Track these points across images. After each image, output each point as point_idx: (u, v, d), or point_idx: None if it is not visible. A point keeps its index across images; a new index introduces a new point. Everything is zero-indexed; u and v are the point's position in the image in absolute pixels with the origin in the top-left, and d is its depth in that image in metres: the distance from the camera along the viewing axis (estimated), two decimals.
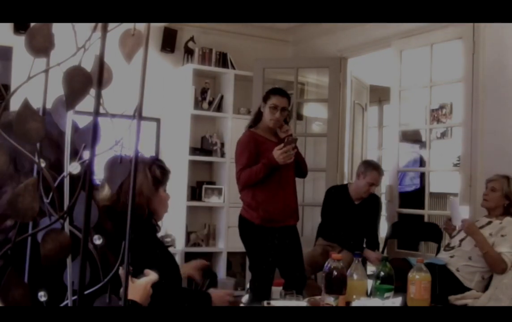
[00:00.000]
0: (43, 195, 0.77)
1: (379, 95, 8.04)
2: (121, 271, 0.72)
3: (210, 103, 6.04)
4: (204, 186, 5.98)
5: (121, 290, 0.74)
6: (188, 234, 5.90)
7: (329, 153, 5.74)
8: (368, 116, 6.69)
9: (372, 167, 4.71)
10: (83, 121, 0.80)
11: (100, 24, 0.71)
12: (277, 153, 3.79)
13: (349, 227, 4.65)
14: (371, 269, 4.43)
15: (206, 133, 6.06)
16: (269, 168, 3.83)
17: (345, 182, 5.59)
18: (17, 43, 5.02)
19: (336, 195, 4.79)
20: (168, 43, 5.91)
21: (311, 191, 6.07)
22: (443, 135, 7.79)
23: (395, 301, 2.74)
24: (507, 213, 3.81)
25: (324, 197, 4.87)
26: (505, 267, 3.57)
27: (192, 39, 5.99)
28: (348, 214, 4.70)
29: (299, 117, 6.48)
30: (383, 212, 5.70)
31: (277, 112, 3.97)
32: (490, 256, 3.60)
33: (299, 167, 4.17)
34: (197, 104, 5.95)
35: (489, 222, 3.84)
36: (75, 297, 0.72)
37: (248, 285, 5.53)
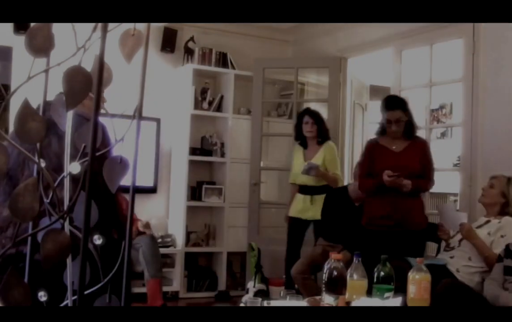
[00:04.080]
0: (43, 195, 0.77)
1: (380, 95, 8.02)
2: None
3: (210, 103, 6.04)
4: (204, 186, 5.98)
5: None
6: (188, 234, 5.90)
7: None
8: (368, 114, 6.68)
9: None
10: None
11: (100, 24, 0.71)
12: (386, 178, 3.90)
13: (349, 229, 4.64)
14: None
15: (206, 133, 6.07)
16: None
17: (345, 182, 5.59)
18: (17, 43, 5.02)
19: (336, 197, 4.79)
20: (168, 43, 5.91)
21: None
22: (443, 135, 7.78)
23: (395, 301, 2.73)
24: (504, 212, 3.80)
25: (324, 199, 4.87)
26: None
27: (192, 39, 5.99)
28: (348, 215, 4.69)
29: None
30: None
31: (392, 125, 4.02)
32: (491, 260, 3.58)
33: None
34: (197, 104, 5.95)
35: (487, 221, 3.82)
36: (75, 297, 0.72)
37: (248, 285, 5.53)
